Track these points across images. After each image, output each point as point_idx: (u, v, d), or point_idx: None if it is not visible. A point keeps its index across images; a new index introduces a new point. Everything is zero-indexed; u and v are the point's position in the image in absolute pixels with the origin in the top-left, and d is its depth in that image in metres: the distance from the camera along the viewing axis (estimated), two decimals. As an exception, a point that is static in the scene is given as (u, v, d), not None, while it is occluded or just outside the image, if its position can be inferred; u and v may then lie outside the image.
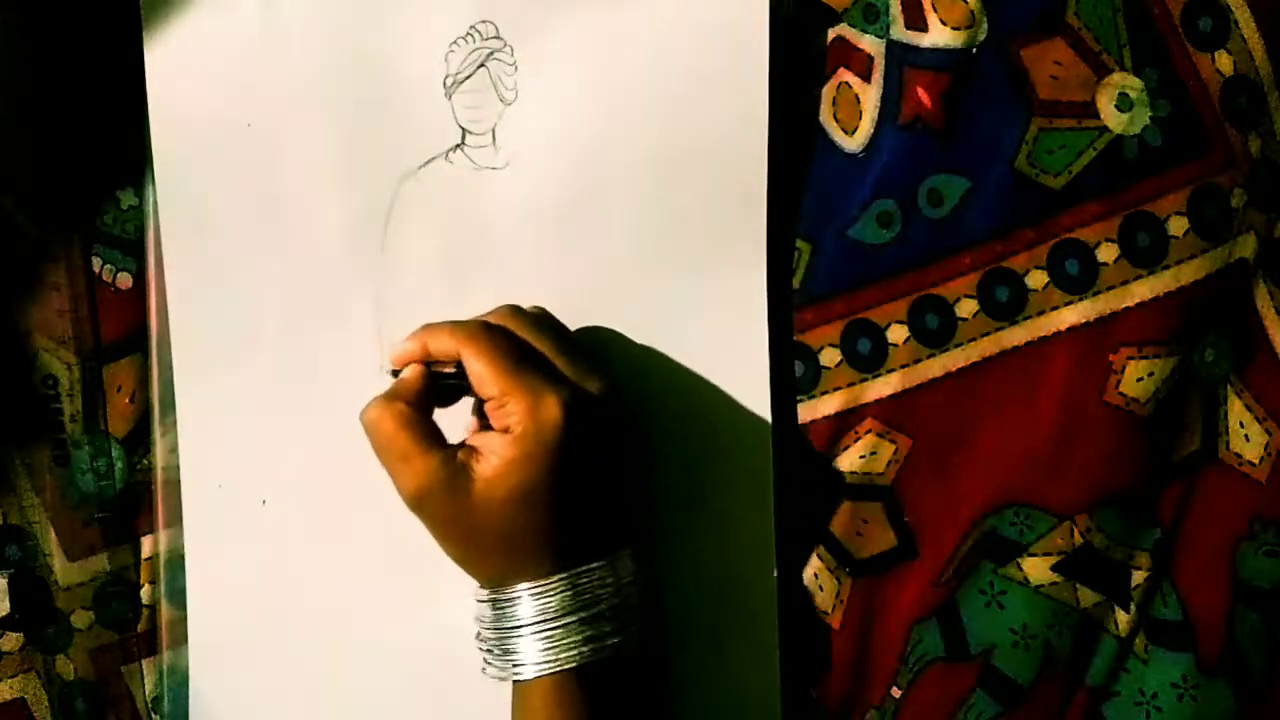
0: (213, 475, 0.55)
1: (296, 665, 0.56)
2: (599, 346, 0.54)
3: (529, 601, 0.46)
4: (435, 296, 0.55)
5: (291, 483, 0.55)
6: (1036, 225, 0.54)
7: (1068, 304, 0.54)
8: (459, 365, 0.47)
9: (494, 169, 0.54)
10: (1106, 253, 0.54)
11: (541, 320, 0.50)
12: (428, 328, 0.48)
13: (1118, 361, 0.54)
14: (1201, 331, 0.55)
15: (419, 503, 0.46)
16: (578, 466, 0.46)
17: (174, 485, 0.55)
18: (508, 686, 0.48)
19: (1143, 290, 0.54)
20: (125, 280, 0.55)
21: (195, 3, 0.54)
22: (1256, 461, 0.56)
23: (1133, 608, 0.56)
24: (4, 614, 0.55)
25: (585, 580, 0.46)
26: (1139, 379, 0.54)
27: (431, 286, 0.55)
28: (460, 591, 0.55)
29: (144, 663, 0.56)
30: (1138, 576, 0.56)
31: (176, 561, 0.56)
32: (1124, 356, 0.54)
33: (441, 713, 0.55)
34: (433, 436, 0.47)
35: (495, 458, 0.45)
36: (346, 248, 0.55)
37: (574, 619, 0.46)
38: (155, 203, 0.55)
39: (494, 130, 0.54)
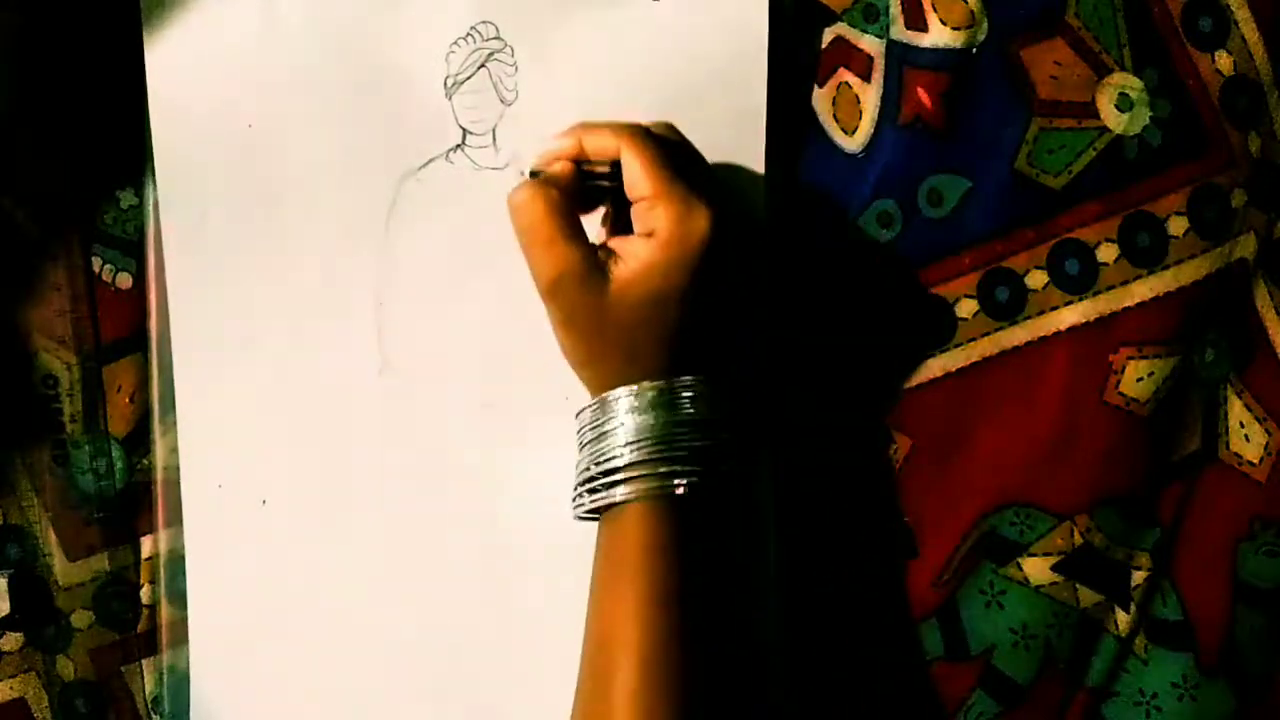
0: (213, 475, 0.55)
1: (296, 665, 0.56)
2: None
3: (630, 409, 0.46)
4: (435, 296, 0.55)
5: (291, 483, 0.55)
6: (1036, 225, 0.54)
7: (1068, 304, 0.54)
8: (611, 167, 0.47)
9: (494, 169, 0.54)
10: (1106, 253, 0.54)
11: (691, 147, 0.50)
12: (585, 125, 0.48)
13: (1118, 361, 0.54)
14: (1201, 331, 0.55)
15: (554, 289, 0.46)
16: (712, 281, 0.46)
17: (174, 485, 0.55)
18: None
19: (1143, 290, 0.54)
20: (125, 280, 0.55)
21: (195, 3, 0.54)
22: (1256, 461, 0.56)
23: (1133, 608, 0.56)
24: (4, 614, 0.55)
25: (687, 392, 0.46)
26: (1139, 379, 0.54)
27: (431, 286, 0.55)
28: (461, 592, 0.55)
29: (144, 663, 0.56)
30: (1138, 576, 0.56)
31: (176, 561, 0.56)
32: (1124, 356, 0.54)
33: (442, 712, 0.55)
34: (577, 227, 0.47)
35: (635, 261, 0.46)
36: (346, 248, 0.55)
37: (675, 430, 0.45)
38: (155, 203, 0.55)
39: (494, 130, 0.54)
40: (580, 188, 0.48)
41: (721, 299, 0.48)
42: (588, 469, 0.47)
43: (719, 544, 0.48)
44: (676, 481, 0.45)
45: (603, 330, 0.46)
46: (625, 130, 0.47)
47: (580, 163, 0.48)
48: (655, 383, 0.46)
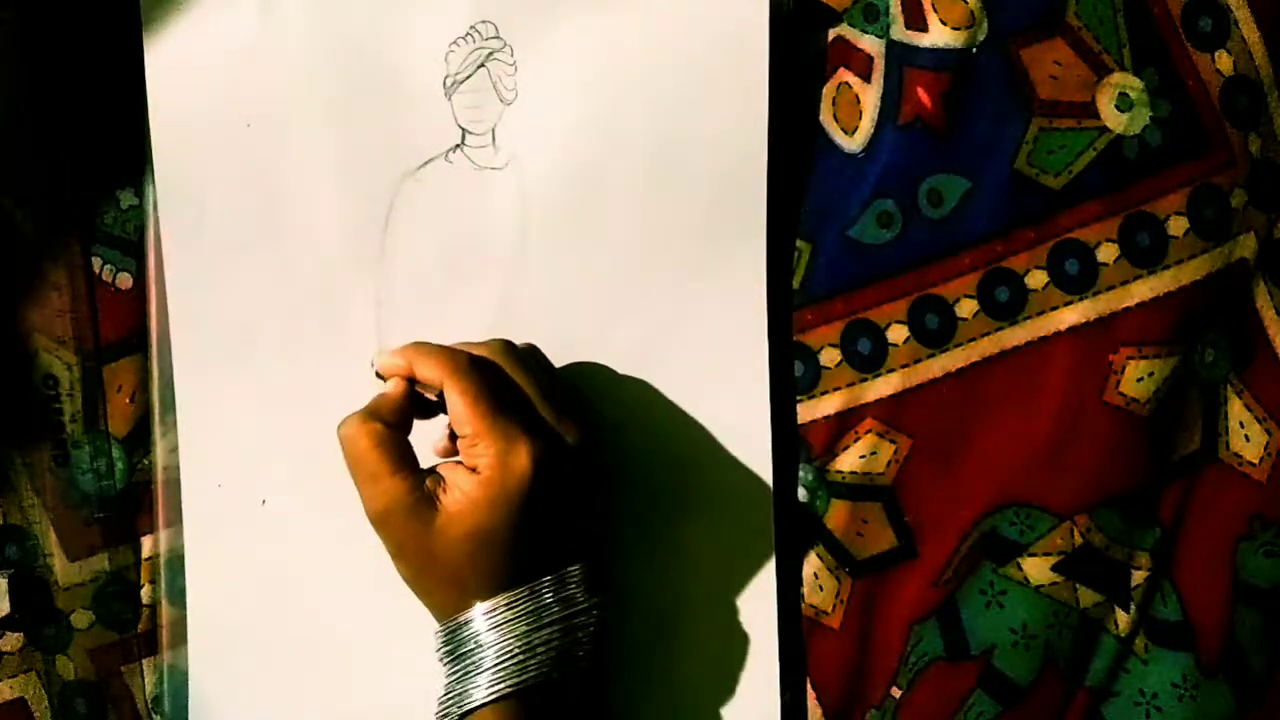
0: (213, 475, 0.55)
1: (296, 665, 0.56)
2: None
3: (484, 619, 0.47)
4: (435, 296, 0.55)
5: (291, 483, 0.55)
6: (1036, 225, 0.54)
7: (1068, 304, 0.54)
8: (439, 394, 0.48)
9: (494, 169, 0.55)
10: (1106, 253, 0.54)
11: (529, 360, 0.50)
12: (418, 349, 0.48)
13: (1118, 361, 0.54)
14: (1201, 331, 0.55)
15: (381, 522, 0.47)
16: (538, 513, 0.47)
17: (174, 485, 0.55)
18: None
19: (1143, 290, 0.54)
20: (125, 280, 0.55)
21: (195, 3, 0.54)
22: (1256, 461, 0.56)
23: (1133, 608, 0.56)
24: (4, 614, 0.55)
25: (527, 600, 0.47)
26: (1139, 379, 0.54)
27: (431, 287, 0.55)
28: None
29: (144, 663, 0.56)
30: (1138, 576, 0.56)
31: (176, 561, 0.56)
32: (1124, 356, 0.54)
33: (441, 713, 0.55)
34: (404, 458, 0.47)
35: (460, 494, 0.46)
36: (346, 248, 0.55)
37: (519, 638, 0.46)
38: (155, 203, 0.55)
39: (494, 130, 0.54)
40: (416, 401, 0.48)
41: (559, 518, 0.48)
42: (448, 683, 0.48)
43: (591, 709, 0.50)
44: (526, 672, 0.46)
45: (433, 561, 0.47)
46: (449, 363, 0.47)
47: (413, 383, 0.48)
48: (503, 596, 0.46)
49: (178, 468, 0.55)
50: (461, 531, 0.46)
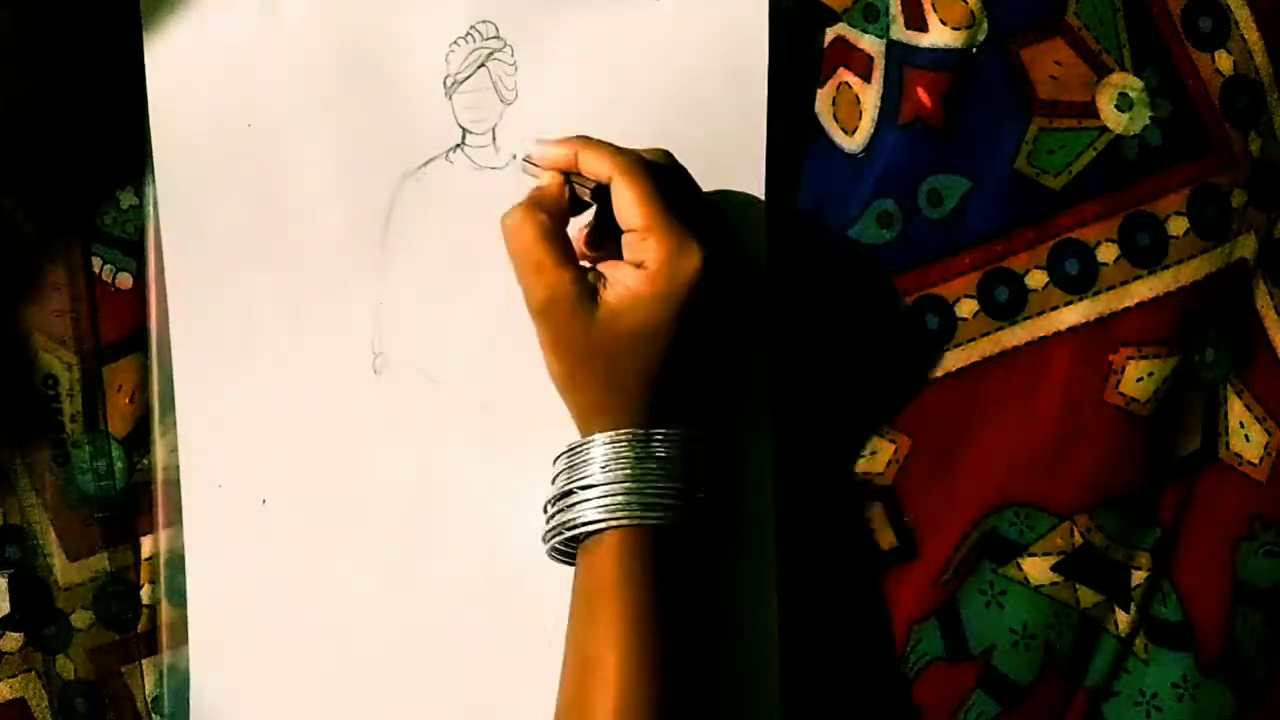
0: (213, 475, 0.55)
1: (296, 665, 0.56)
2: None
3: (607, 449, 0.47)
4: (435, 296, 0.55)
5: (291, 483, 0.55)
6: (1036, 225, 0.54)
7: (1068, 304, 0.54)
8: (599, 187, 0.47)
9: (494, 169, 0.55)
10: (1106, 253, 0.54)
11: (687, 176, 0.50)
12: (583, 140, 0.48)
13: (1118, 361, 0.54)
14: (1201, 331, 0.55)
15: (543, 312, 0.47)
16: (697, 321, 0.46)
17: (174, 485, 0.55)
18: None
19: (1143, 290, 0.54)
20: (125, 280, 0.55)
21: (195, 3, 0.54)
22: (1256, 461, 0.56)
23: (1133, 608, 0.56)
24: (4, 614, 0.55)
25: (660, 446, 0.47)
26: (1139, 379, 0.54)
27: (431, 286, 0.55)
28: (460, 592, 0.55)
29: (144, 663, 0.56)
30: (1138, 576, 0.56)
31: (176, 561, 0.56)
32: (1124, 356, 0.54)
33: (442, 712, 0.55)
34: (568, 251, 0.47)
35: (624, 290, 0.46)
36: (346, 248, 0.55)
37: (646, 475, 0.46)
38: (155, 203, 0.55)
39: (494, 130, 0.54)
40: (570, 202, 0.48)
41: (711, 337, 0.48)
42: (561, 500, 0.48)
43: (695, 575, 0.49)
44: (646, 511, 0.46)
45: (589, 356, 0.47)
46: (619, 156, 0.47)
47: (571, 176, 0.48)
48: (630, 431, 0.47)
49: (178, 468, 0.55)
50: (623, 326, 0.46)
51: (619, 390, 0.47)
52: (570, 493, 0.47)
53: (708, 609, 0.51)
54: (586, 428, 0.48)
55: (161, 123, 0.54)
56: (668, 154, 0.50)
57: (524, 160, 0.49)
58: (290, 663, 0.56)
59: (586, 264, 0.48)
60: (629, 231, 0.47)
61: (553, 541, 0.48)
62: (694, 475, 0.47)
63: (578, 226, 0.50)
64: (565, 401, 0.49)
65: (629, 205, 0.46)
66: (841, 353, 0.55)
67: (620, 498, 0.46)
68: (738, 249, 0.52)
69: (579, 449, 0.48)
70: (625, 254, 0.47)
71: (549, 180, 0.48)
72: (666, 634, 0.46)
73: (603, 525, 0.46)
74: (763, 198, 0.54)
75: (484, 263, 0.55)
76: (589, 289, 0.46)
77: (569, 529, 0.47)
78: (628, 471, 0.46)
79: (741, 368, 0.53)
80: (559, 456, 0.49)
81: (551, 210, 0.47)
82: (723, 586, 0.55)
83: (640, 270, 0.46)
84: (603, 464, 0.47)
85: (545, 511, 0.49)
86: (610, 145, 0.48)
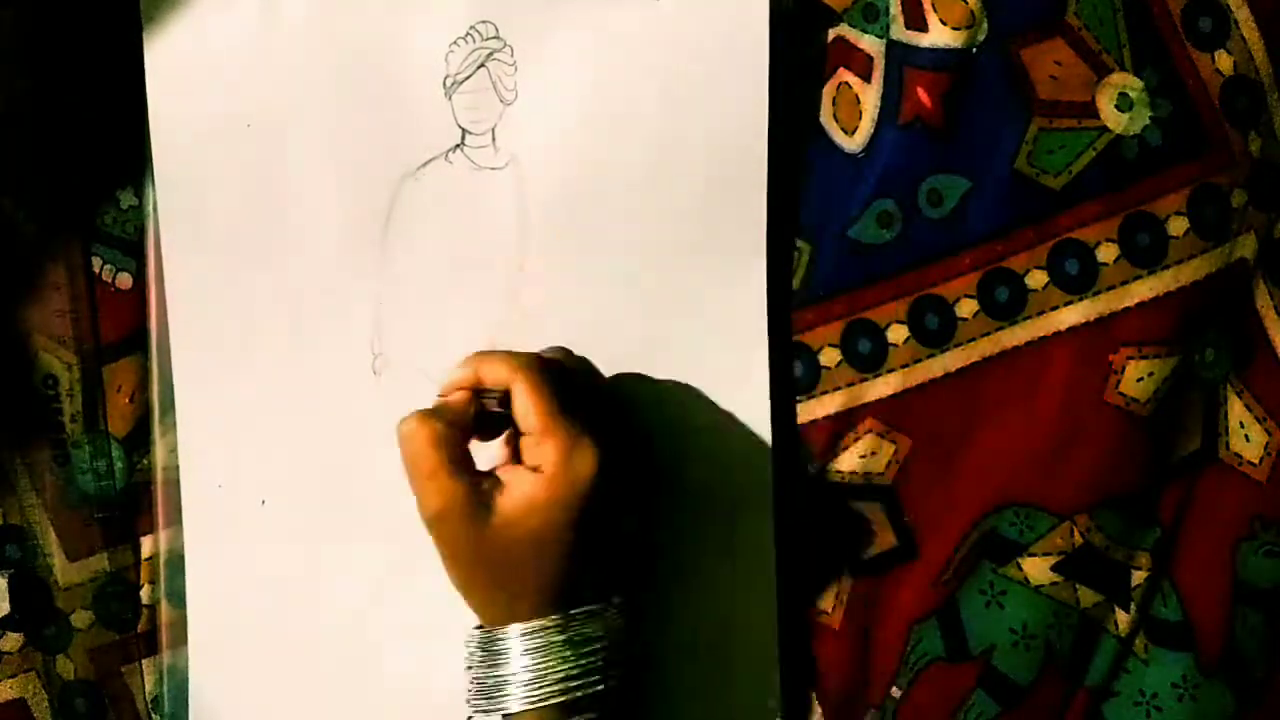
0: (213, 475, 0.55)
1: (296, 665, 0.56)
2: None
3: (520, 641, 0.46)
4: (435, 296, 0.55)
5: (291, 483, 0.55)
6: (1036, 225, 0.54)
7: (1068, 304, 0.54)
8: (504, 397, 0.47)
9: (494, 169, 0.55)
10: (1106, 253, 0.54)
11: (586, 368, 0.50)
12: (482, 355, 0.48)
13: (1118, 361, 0.54)
14: (1201, 331, 0.55)
15: (436, 523, 0.46)
16: (596, 519, 0.46)
17: (174, 485, 0.55)
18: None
19: (1143, 290, 0.54)
20: (125, 280, 0.55)
21: (195, 3, 0.54)
22: (1256, 461, 0.56)
23: (1133, 608, 0.56)
24: (4, 614, 0.55)
25: (577, 625, 0.46)
26: (1139, 379, 0.54)
27: (431, 287, 0.55)
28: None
29: (144, 663, 0.56)
30: (1138, 576, 0.56)
31: (176, 561, 0.56)
32: (1124, 356, 0.54)
33: (442, 713, 0.55)
34: (463, 461, 0.47)
35: (519, 494, 0.46)
36: (346, 248, 0.55)
37: (562, 660, 0.46)
38: (155, 203, 0.55)
39: (494, 130, 0.54)
40: (477, 416, 0.48)
41: (615, 529, 0.48)
42: (478, 687, 0.47)
43: None
44: (564, 691, 0.46)
45: (487, 564, 0.46)
46: (516, 362, 0.47)
47: (479, 392, 0.48)
48: (542, 622, 0.46)
49: (178, 468, 0.55)
50: (519, 534, 0.45)
51: (521, 594, 0.46)
52: (488, 682, 0.47)
53: None
54: (492, 623, 0.48)
55: (161, 123, 0.54)
56: (566, 351, 0.50)
57: (436, 396, 0.49)
58: (290, 663, 0.56)
59: (486, 469, 0.47)
60: (526, 435, 0.46)
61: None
62: (614, 652, 0.47)
63: (500, 444, 0.50)
64: (469, 606, 0.48)
65: (525, 409, 0.46)
66: (840, 353, 0.55)
67: (533, 682, 0.46)
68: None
69: (491, 639, 0.47)
70: (524, 457, 0.47)
71: (455, 398, 0.48)
72: None
73: (518, 708, 0.46)
74: (763, 197, 0.54)
75: (484, 263, 0.55)
76: (484, 497, 0.46)
77: (489, 710, 0.47)
78: (543, 663, 0.46)
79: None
80: (469, 638, 0.48)
81: (451, 419, 0.47)
82: (722, 587, 0.55)
83: (536, 475, 0.46)
84: (517, 655, 0.46)
85: (467, 698, 0.48)
86: (507, 354, 0.48)
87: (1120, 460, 0.55)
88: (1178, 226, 0.54)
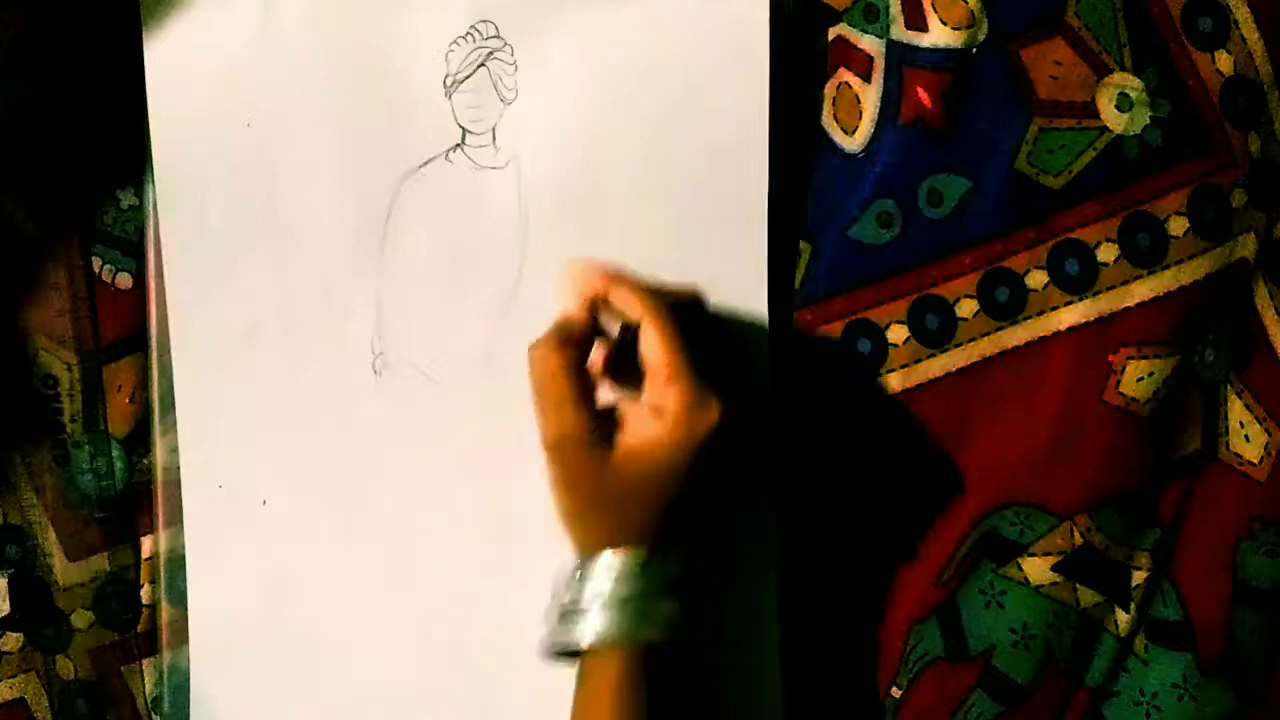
0: (213, 475, 0.55)
1: (296, 665, 0.56)
2: None
3: (609, 568, 0.47)
4: (435, 296, 0.55)
5: (291, 483, 0.55)
6: (1036, 225, 0.54)
7: (1068, 304, 0.54)
8: (626, 325, 0.48)
9: (494, 169, 0.55)
10: (1106, 253, 0.54)
11: (711, 317, 0.51)
12: (617, 278, 0.49)
13: (1118, 361, 0.54)
14: (1201, 331, 0.55)
15: (556, 449, 0.47)
16: (707, 467, 0.47)
17: (174, 485, 0.55)
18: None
19: (1143, 290, 0.54)
20: (125, 280, 0.55)
21: (195, 3, 0.54)
22: (1256, 461, 0.56)
23: (1133, 608, 0.56)
24: (4, 614, 0.55)
25: (666, 560, 0.47)
26: (1139, 379, 0.54)
27: (431, 286, 0.55)
28: (461, 591, 0.55)
29: (144, 663, 0.56)
30: (1138, 576, 0.56)
31: (176, 561, 0.56)
32: (1124, 356, 0.54)
33: (442, 712, 0.55)
34: (588, 390, 0.47)
35: (641, 434, 0.46)
36: (346, 248, 0.55)
37: (645, 591, 0.46)
38: (155, 203, 0.55)
39: (494, 130, 0.54)
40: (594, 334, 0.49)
41: (719, 477, 0.48)
42: (562, 616, 0.48)
43: (689, 694, 0.49)
44: (649, 626, 0.46)
45: (598, 495, 0.47)
46: (651, 300, 0.48)
47: (600, 307, 0.49)
48: (634, 550, 0.47)
49: (178, 468, 0.55)
50: (633, 471, 0.46)
51: (624, 525, 0.47)
52: (572, 609, 0.47)
53: None
54: (588, 554, 0.48)
55: (161, 123, 0.54)
56: (696, 294, 0.51)
57: (567, 264, 0.49)
58: (290, 663, 0.56)
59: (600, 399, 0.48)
60: (653, 376, 0.47)
61: (552, 655, 0.48)
62: (695, 593, 0.48)
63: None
64: (568, 532, 0.49)
65: (656, 351, 0.47)
66: (841, 352, 0.55)
67: (621, 617, 0.46)
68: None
69: (584, 565, 0.47)
70: (646, 396, 0.48)
71: (577, 312, 0.49)
72: None
73: (600, 642, 0.46)
74: (763, 197, 0.54)
75: (484, 262, 0.55)
76: (604, 431, 0.47)
77: (569, 649, 0.47)
78: (630, 590, 0.46)
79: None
80: (564, 572, 0.48)
81: (579, 344, 0.48)
82: (725, 586, 0.55)
83: (659, 417, 0.46)
84: (606, 582, 0.47)
85: (547, 623, 0.49)
86: (642, 287, 0.48)
87: (1120, 460, 0.55)
88: (1178, 226, 0.54)
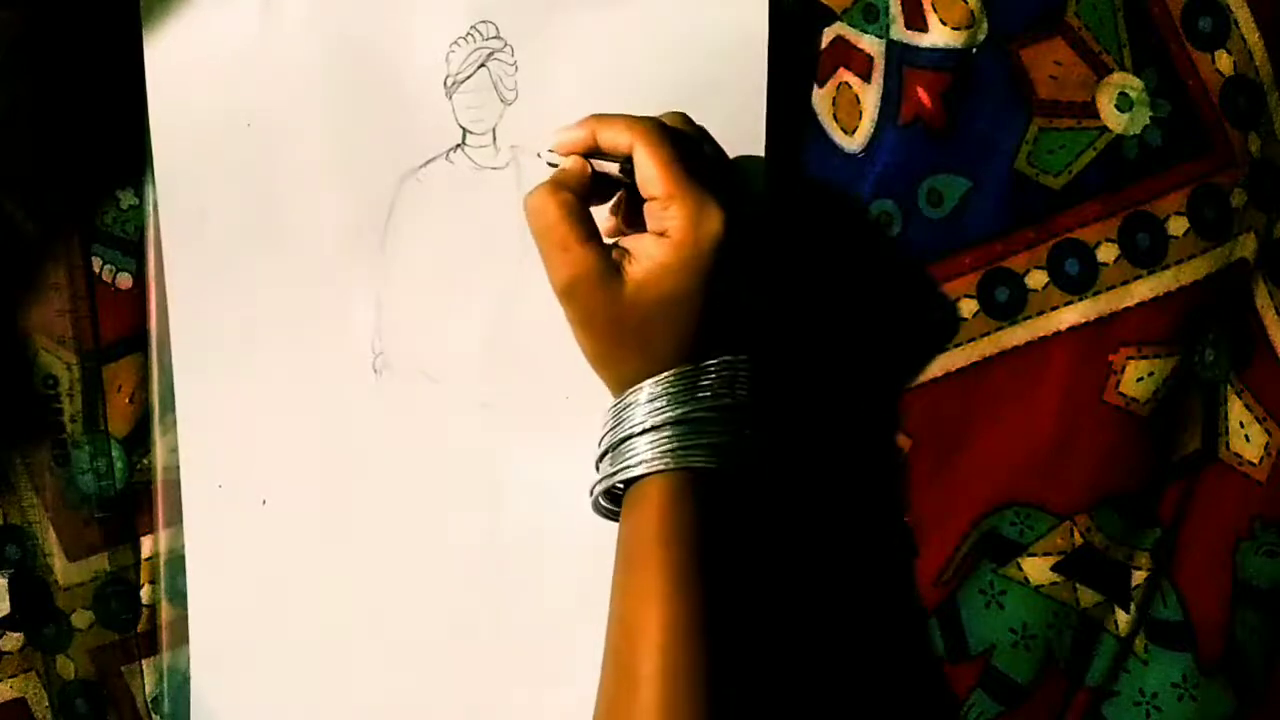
0: (213, 475, 0.55)
1: (296, 665, 0.56)
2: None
3: (649, 394, 0.46)
4: (435, 296, 0.55)
5: (291, 483, 0.55)
6: (1036, 225, 0.54)
7: (1068, 304, 0.54)
8: (624, 161, 0.47)
9: (494, 168, 0.55)
10: (1106, 253, 0.54)
11: (704, 134, 0.50)
12: (599, 118, 0.48)
13: (1118, 361, 0.54)
14: (1201, 331, 0.55)
15: (569, 291, 0.47)
16: (723, 278, 0.46)
17: (174, 485, 0.55)
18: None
19: (1143, 290, 0.54)
20: (125, 280, 0.55)
21: (195, 3, 0.54)
22: (1256, 461, 0.56)
23: (1133, 608, 0.56)
24: (4, 614, 0.55)
25: (702, 375, 0.47)
26: (1139, 379, 0.54)
27: (431, 287, 0.55)
28: (461, 591, 0.55)
29: (144, 663, 0.56)
30: (1138, 576, 0.56)
31: (176, 561, 0.56)
32: (1124, 356, 0.54)
33: (442, 712, 0.55)
34: (591, 229, 0.47)
35: (649, 260, 0.46)
36: (346, 248, 0.55)
37: (686, 408, 0.46)
38: (155, 203, 0.55)
39: (494, 130, 0.54)
40: (593, 180, 0.48)
41: (731, 291, 0.48)
42: (608, 450, 0.47)
43: (737, 526, 0.48)
44: (694, 452, 0.46)
45: (619, 330, 0.47)
46: (639, 126, 0.47)
47: (592, 156, 0.48)
48: (675, 369, 0.46)
49: (178, 468, 0.55)
50: (650, 298, 0.46)
51: (654, 356, 0.47)
52: (616, 445, 0.47)
53: (751, 563, 0.50)
54: (623, 391, 0.48)
55: (161, 123, 0.54)
56: (684, 117, 0.50)
57: (547, 153, 0.49)
58: (290, 663, 0.56)
59: (610, 240, 0.48)
60: (651, 200, 0.47)
61: (598, 494, 0.48)
62: (740, 407, 0.47)
63: (607, 211, 0.50)
64: (600, 375, 0.49)
65: (650, 173, 0.46)
66: (840, 352, 0.55)
67: (667, 441, 0.46)
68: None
69: (624, 400, 0.47)
70: (649, 223, 0.47)
71: (572, 164, 0.48)
72: (710, 591, 0.45)
73: (648, 470, 0.46)
74: (763, 197, 0.53)
75: (484, 262, 0.55)
76: (614, 264, 0.46)
77: (615, 479, 0.47)
78: (675, 412, 0.46)
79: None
80: (607, 411, 0.48)
81: (575, 188, 0.47)
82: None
83: (664, 239, 0.46)
84: (647, 410, 0.46)
85: (596, 470, 0.48)
86: (627, 116, 0.48)
87: (1120, 460, 0.55)
88: (1178, 226, 0.54)
